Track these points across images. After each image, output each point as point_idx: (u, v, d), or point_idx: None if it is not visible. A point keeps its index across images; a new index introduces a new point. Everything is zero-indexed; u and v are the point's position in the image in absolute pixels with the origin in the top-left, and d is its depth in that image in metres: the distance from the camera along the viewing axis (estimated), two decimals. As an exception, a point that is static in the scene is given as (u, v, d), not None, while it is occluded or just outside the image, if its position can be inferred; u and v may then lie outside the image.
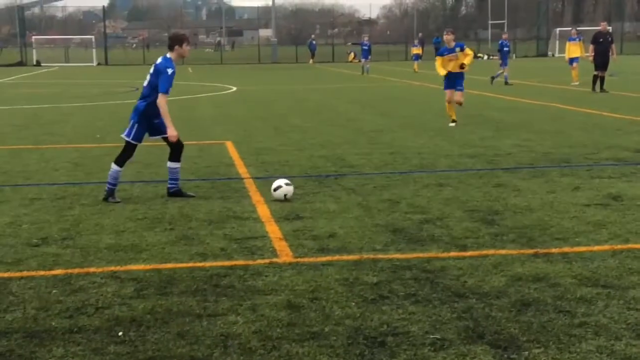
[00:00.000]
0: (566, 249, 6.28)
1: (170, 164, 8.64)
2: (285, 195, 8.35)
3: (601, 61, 23.90)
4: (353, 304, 5.05)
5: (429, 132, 14.55)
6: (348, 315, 4.84)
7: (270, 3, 76.91)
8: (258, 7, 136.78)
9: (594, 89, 23.64)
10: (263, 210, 7.92)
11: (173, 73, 8.32)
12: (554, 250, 6.27)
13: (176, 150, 8.61)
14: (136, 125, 8.45)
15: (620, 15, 79.43)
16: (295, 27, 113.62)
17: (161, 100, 8.29)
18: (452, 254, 6.22)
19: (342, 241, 6.65)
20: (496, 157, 11.35)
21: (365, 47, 40.65)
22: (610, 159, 10.88)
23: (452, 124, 15.13)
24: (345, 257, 6.16)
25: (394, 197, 8.48)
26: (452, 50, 14.88)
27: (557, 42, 66.62)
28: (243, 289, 5.39)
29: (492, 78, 28.90)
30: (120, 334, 4.61)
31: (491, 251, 6.28)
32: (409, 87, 29.55)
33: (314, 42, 62.87)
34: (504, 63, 28.70)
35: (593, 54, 24.18)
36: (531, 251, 6.24)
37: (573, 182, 9.17)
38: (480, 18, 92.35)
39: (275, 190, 8.39)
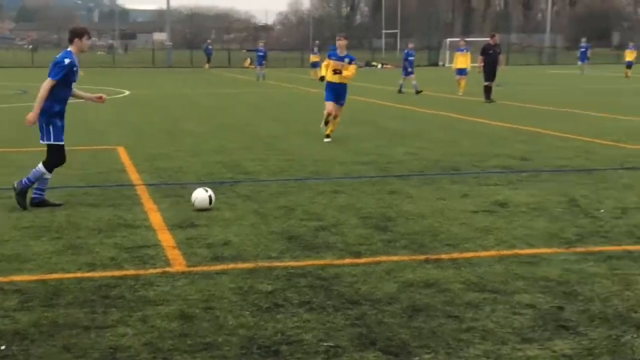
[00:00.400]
0: (455, 255, 6.43)
1: (39, 167, 8.27)
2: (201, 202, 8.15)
3: (491, 71, 24.68)
4: (247, 313, 5.02)
5: (324, 138, 14.64)
6: (242, 324, 4.80)
7: (164, 6, 75.84)
8: (152, 10, 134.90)
9: (487, 98, 24.34)
10: (155, 218, 7.78)
11: (70, 63, 8.12)
12: (443, 256, 6.41)
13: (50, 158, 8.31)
14: (51, 127, 8.19)
15: (506, 27, 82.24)
16: (190, 32, 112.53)
17: (45, 83, 8.07)
18: (347, 260, 6.28)
19: (237, 249, 6.60)
20: (389, 164, 11.54)
21: (261, 54, 40.46)
22: (497, 167, 11.23)
23: (327, 140, 13.93)
24: (240, 265, 6.12)
25: (289, 204, 8.49)
26: (341, 59, 13.88)
27: (448, 52, 68.40)
28: (133, 300, 5.27)
29: (399, 91, 29.01)
30: (2, 347, 4.42)
31: (384, 257, 6.37)
32: (306, 94, 29.69)
33: (210, 46, 62.36)
34: (408, 72, 29.04)
35: (482, 64, 24.95)
36: (422, 257, 6.36)
37: (462, 189, 9.41)
38: (375, 27, 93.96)
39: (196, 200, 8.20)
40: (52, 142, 8.24)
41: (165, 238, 6.98)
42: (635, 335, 4.60)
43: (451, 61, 63.43)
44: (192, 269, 6.01)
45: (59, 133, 8.25)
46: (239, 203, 8.52)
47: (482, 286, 5.58)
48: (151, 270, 5.96)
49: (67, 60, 8.12)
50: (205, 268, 6.03)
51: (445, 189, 9.50)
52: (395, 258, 6.35)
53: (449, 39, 72.16)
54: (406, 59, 29.78)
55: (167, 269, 6.01)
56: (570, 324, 4.81)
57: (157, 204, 8.46)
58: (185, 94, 28.72)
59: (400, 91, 28.81)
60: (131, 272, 5.93)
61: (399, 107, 22.68)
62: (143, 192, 9.21)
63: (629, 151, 12.71)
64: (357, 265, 6.14)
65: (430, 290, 5.50)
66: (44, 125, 8.20)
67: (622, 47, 76.32)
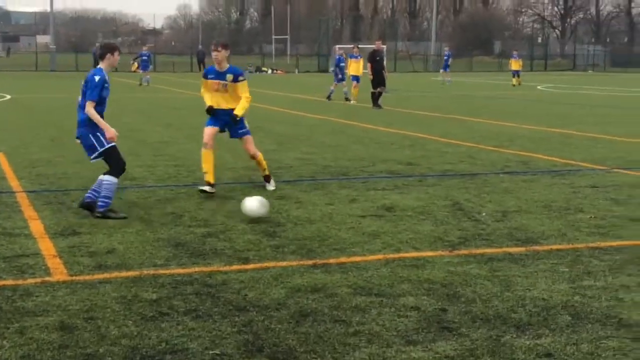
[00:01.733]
0: (343, 259, 6.48)
1: (108, 179, 8.16)
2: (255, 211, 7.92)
3: (380, 78, 25.06)
4: (130, 322, 4.89)
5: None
6: (125, 334, 4.68)
7: (48, 9, 73.53)
8: (35, 13, 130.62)
9: (375, 104, 24.69)
10: (36, 226, 7.50)
11: (101, 80, 8.04)
12: (331, 260, 6.44)
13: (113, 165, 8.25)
14: (97, 134, 8.11)
15: (393, 35, 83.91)
16: (75, 35, 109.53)
17: (88, 108, 8.01)
18: (234, 267, 6.22)
19: (121, 257, 6.44)
20: (279, 169, 11.54)
21: (145, 58, 39.40)
22: (384, 172, 11.40)
23: (207, 189, 9.34)
24: (124, 273, 5.96)
25: (177, 211, 8.36)
26: (221, 76, 9.57)
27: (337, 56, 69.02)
28: (11, 311, 5.05)
29: (328, 97, 28.42)
30: None
31: (272, 263, 6.34)
32: (196, 99, 29.36)
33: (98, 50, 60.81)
34: (339, 79, 28.25)
35: (371, 71, 25.31)
36: (310, 262, 6.38)
37: (350, 194, 9.51)
38: (265, 32, 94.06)
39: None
40: (106, 146, 8.13)
41: (46, 246, 6.74)
42: (514, 335, 4.74)
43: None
44: (73, 278, 5.82)
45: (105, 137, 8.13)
46: (124, 210, 8.32)
47: (368, 290, 5.63)
48: (30, 280, 5.74)
49: (97, 78, 8.06)
50: (87, 277, 5.85)
51: (334, 194, 9.57)
52: (283, 263, 6.34)
53: (337, 46, 72.97)
54: (337, 65, 28.76)
55: (47, 278, 5.80)
56: (453, 326, 4.91)
57: (38, 211, 8.17)
58: (70, 98, 27.89)
59: (329, 97, 28.28)
60: (9, 282, 5.69)
61: (289, 113, 22.74)
62: (23, 200, 8.88)
63: (509, 156, 13.15)
64: (245, 271, 6.09)
65: (317, 295, 5.51)
66: (90, 136, 8.14)
67: (502, 55, 79.21)
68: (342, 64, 28.71)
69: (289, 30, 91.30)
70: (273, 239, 7.20)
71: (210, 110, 9.66)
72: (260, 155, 9.82)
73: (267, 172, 9.93)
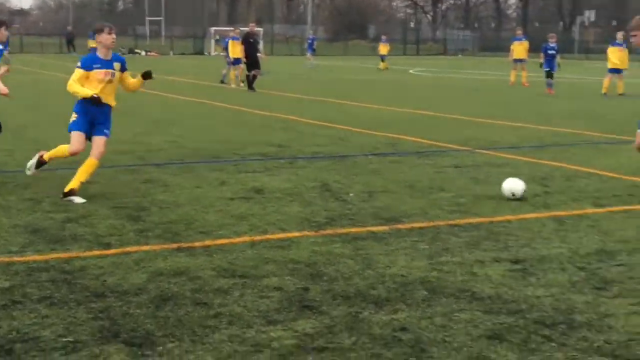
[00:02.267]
0: (208, 242, 6.42)
1: None
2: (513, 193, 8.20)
3: (255, 61, 24.96)
4: (-20, 312, 4.69)
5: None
6: (-27, 324, 4.48)
7: None
8: None
9: (250, 87, 24.61)
10: None
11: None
12: (196, 244, 6.37)
13: None
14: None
15: (270, 18, 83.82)
16: None
17: None
18: (94, 252, 6.05)
19: (-27, 245, 6.16)
20: (147, 152, 11.33)
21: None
22: (256, 154, 11.38)
23: (76, 200, 7.86)
24: (-25, 262, 5.70)
25: (36, 196, 8.06)
26: (109, 64, 8.32)
27: (213, 41, 68.50)
28: None
29: (222, 81, 27.77)
30: None
31: (135, 248, 6.22)
32: (64, 81, 28.44)
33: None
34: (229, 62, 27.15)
35: (245, 54, 25.16)
36: (174, 246, 6.29)
37: (220, 177, 9.44)
38: (138, 14, 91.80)
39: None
40: None
41: None
42: (372, 311, 4.83)
43: (216, 50, 63.58)
44: None
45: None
46: (-20, 196, 7.96)
47: (232, 272, 5.61)
48: None
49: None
50: None
51: (203, 177, 9.47)
52: (146, 248, 6.22)
53: (213, 28, 72.23)
54: (226, 48, 27.42)
55: None
56: (314, 304, 4.96)
57: None
58: None
59: (222, 81, 27.63)
60: None
61: (161, 95, 22.34)
62: None
63: (378, 138, 13.39)
64: (105, 256, 5.94)
65: (180, 278, 5.44)
66: None
67: (377, 39, 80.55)
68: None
69: (163, 12, 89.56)
70: (137, 223, 7.05)
71: (98, 101, 8.07)
72: (97, 164, 8.29)
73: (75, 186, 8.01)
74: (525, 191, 8.28)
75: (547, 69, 24.73)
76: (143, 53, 65.62)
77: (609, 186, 8.97)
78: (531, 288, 5.28)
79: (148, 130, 14.05)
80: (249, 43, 25.21)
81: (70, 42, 64.59)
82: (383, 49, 43.24)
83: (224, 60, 28.47)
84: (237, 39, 27.39)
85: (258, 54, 25.33)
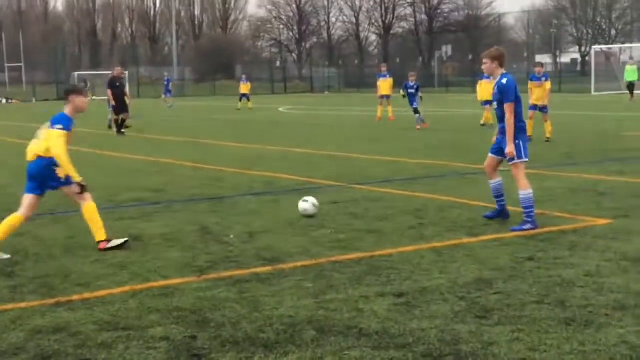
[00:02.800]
0: (87, 295, 6.22)
1: None
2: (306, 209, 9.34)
3: (122, 104, 24.53)
4: None
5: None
6: None
7: None
8: None
9: (119, 131, 24.16)
10: None
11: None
12: (75, 297, 6.16)
13: None
14: None
15: (135, 61, 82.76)
16: None
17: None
18: (-34, 314, 5.75)
19: None
20: (15, 205, 10.84)
21: None
22: (131, 200, 11.15)
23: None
24: None
25: None
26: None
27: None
28: None
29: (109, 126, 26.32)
30: None
31: (10, 305, 5.95)
32: None
33: None
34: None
35: (112, 98, 24.71)
36: (52, 301, 6.06)
37: (94, 226, 9.16)
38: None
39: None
40: None
41: None
42: (262, 356, 4.81)
43: (89, 95, 62.03)
44: None
45: None
46: None
47: (115, 324, 5.46)
48: None
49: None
50: None
51: (76, 226, 9.18)
52: (22, 305, 5.97)
53: (77, 73, 70.69)
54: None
55: None
56: (203, 352, 4.89)
57: None
58: None
59: (110, 127, 26.21)
60: None
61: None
62: None
63: (254, 177, 13.41)
64: (-21, 317, 5.66)
65: (60, 335, 5.24)
66: None
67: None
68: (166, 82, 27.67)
69: (22, 58, 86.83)
70: (11, 279, 6.76)
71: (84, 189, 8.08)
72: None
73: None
74: (315, 206, 9.34)
75: (414, 107, 25.07)
76: (4, 101, 63.29)
77: (480, 215, 9.32)
78: (416, 321, 5.40)
79: (14, 181, 13.50)
80: (116, 87, 24.82)
81: None
82: (244, 87, 42.95)
83: (107, 106, 27.62)
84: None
85: (125, 98, 24.94)
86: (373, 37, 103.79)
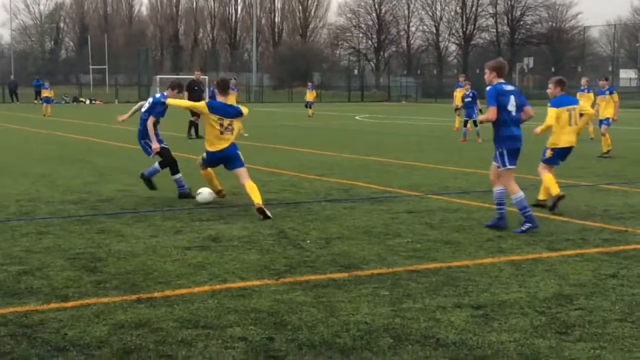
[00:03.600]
0: (168, 293, 6.36)
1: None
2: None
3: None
4: (-63, 370, 4.55)
5: (29, 178, 13.88)
6: None
7: None
8: None
9: (196, 134, 24.51)
10: None
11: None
12: (156, 294, 6.30)
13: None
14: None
15: (215, 66, 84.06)
16: None
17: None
18: (53, 305, 5.94)
19: None
20: (99, 202, 11.19)
21: None
22: (216, 203, 11.31)
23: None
24: None
25: (-13, 249, 7.89)
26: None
27: (158, 88, 68.29)
28: None
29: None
30: None
31: (93, 300, 6.12)
32: (7, 131, 27.99)
33: None
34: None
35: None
36: (134, 297, 6.21)
37: (175, 226, 9.37)
38: (81, 62, 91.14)
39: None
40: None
41: None
42: (340, 360, 4.83)
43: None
44: None
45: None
46: None
47: (195, 322, 5.56)
48: None
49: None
50: None
51: (158, 225, 9.39)
52: (105, 300, 6.13)
53: (159, 76, 72.21)
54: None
55: None
56: (279, 354, 4.94)
57: None
58: None
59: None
60: None
61: (109, 144, 22.15)
62: None
63: (331, 184, 13.46)
64: (64, 309, 5.84)
65: (142, 330, 5.37)
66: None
67: (322, 86, 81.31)
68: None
69: (106, 60, 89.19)
70: (94, 274, 6.95)
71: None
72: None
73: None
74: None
75: (466, 119, 24.19)
76: (87, 102, 65.15)
77: (561, 230, 9.15)
78: (495, 334, 5.34)
79: (98, 179, 13.89)
80: (194, 90, 25.08)
81: (13, 92, 63.93)
82: (310, 95, 42.90)
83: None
84: (233, 89, 27.20)
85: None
86: (453, 47, 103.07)
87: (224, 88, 11.15)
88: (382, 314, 5.79)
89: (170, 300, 6.13)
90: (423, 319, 5.66)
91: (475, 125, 23.75)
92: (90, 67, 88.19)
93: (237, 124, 10.92)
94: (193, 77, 26.55)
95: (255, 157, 18.34)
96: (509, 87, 9.22)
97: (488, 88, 9.13)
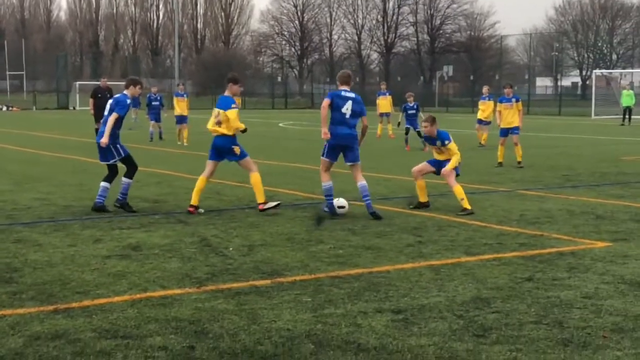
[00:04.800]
0: (86, 302, 6.24)
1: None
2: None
3: (101, 114, 23.51)
4: None
5: None
6: None
7: None
8: None
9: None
10: None
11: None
12: (74, 304, 6.18)
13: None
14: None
15: (136, 72, 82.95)
16: None
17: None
18: (-35, 318, 5.76)
19: None
20: (15, 211, 10.92)
21: None
22: (138, 211, 11.14)
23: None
24: None
25: None
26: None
27: (78, 95, 67.12)
28: None
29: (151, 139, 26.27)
30: None
31: (8, 311, 5.97)
32: None
33: None
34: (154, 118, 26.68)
35: (92, 107, 23.89)
36: (51, 308, 6.07)
37: (95, 234, 9.21)
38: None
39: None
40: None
41: None
42: (261, 367, 4.82)
43: (83, 104, 62.19)
44: None
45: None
46: None
47: (114, 332, 5.47)
48: None
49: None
50: None
51: (76, 234, 9.22)
52: (21, 311, 5.98)
53: (78, 82, 70.84)
54: (149, 104, 27.13)
55: None
56: (201, 363, 4.90)
57: None
58: None
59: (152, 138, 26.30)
60: None
61: (26, 151, 21.60)
62: None
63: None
64: (-22, 322, 5.66)
65: (59, 341, 5.25)
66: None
67: (245, 93, 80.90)
68: (156, 103, 27.24)
69: (24, 66, 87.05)
70: (9, 285, 6.77)
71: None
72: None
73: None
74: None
75: (407, 127, 24.51)
76: (4, 108, 63.41)
77: (479, 235, 9.35)
78: (414, 338, 5.42)
79: (14, 187, 13.54)
80: (97, 97, 24.11)
81: None
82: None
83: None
84: (181, 95, 26.99)
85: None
86: (375, 55, 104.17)
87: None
88: (304, 320, 5.81)
89: (89, 311, 6.02)
90: (344, 325, 5.71)
91: (420, 135, 23.82)
92: (7, 72, 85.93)
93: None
94: (99, 83, 25.58)
95: (179, 165, 18.18)
96: (350, 94, 10.79)
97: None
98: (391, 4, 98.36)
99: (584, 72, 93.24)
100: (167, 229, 9.64)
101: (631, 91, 44.51)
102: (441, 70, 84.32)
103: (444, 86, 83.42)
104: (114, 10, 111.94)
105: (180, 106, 26.37)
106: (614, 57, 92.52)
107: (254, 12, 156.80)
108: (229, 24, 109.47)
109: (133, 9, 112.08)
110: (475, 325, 5.69)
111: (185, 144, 25.15)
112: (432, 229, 9.75)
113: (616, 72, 75.54)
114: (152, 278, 7.12)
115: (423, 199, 11.53)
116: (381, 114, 30.00)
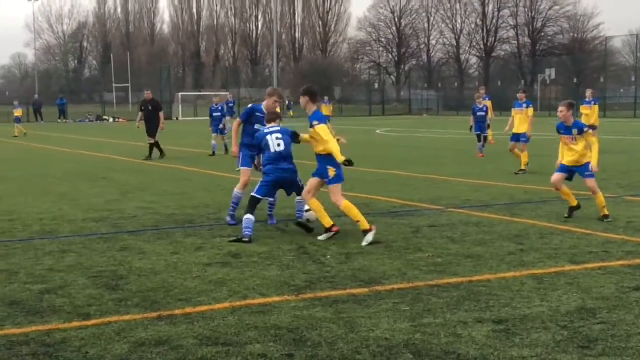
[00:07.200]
0: (188, 310, 6.37)
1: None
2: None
3: (151, 127, 23.47)
4: (-40, 389, 4.59)
5: (52, 196, 14.01)
6: (-46, 403, 4.38)
7: None
8: None
9: (162, 155, 23.52)
10: None
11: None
12: (177, 311, 6.32)
13: None
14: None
15: (236, 82, 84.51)
16: None
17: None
18: (74, 323, 5.98)
19: (-51, 320, 6.04)
20: (121, 220, 11.26)
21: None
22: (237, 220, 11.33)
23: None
24: (-48, 337, 5.59)
25: (11, 267, 7.96)
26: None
27: (180, 106, 68.87)
28: None
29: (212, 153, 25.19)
30: None
31: (115, 318, 6.15)
32: (28, 150, 28.27)
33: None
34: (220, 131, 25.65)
35: (140, 119, 23.79)
36: (155, 314, 6.23)
37: (196, 242, 9.41)
38: (105, 80, 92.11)
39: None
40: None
41: None
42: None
43: (186, 115, 63.89)
44: None
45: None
46: (-46, 269, 7.84)
47: (215, 339, 5.57)
48: None
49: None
50: None
51: (179, 242, 9.43)
52: (126, 317, 6.16)
53: (181, 93, 72.67)
54: (211, 115, 25.82)
55: None
56: (300, 371, 4.93)
57: None
58: None
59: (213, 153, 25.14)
60: None
61: (131, 161, 22.30)
62: None
63: (350, 198, 13.38)
64: (86, 327, 5.87)
65: (162, 348, 5.38)
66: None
67: (342, 101, 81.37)
68: (217, 114, 25.79)
69: (129, 78, 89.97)
70: (115, 292, 6.99)
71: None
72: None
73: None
74: None
75: (478, 133, 23.12)
76: (111, 120, 65.70)
77: (584, 243, 9.08)
78: (516, 349, 5.29)
79: (121, 197, 13.98)
80: (142, 110, 24.01)
81: (37, 111, 64.60)
82: (325, 110, 42.30)
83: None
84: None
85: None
86: (474, 60, 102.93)
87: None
88: (402, 330, 5.76)
89: (191, 318, 6.15)
90: (444, 335, 5.63)
91: (479, 140, 22.96)
92: (114, 85, 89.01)
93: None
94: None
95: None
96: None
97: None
98: (491, 7, 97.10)
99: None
100: (265, 237, 9.75)
101: None
102: (543, 74, 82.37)
103: (546, 90, 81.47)
104: (215, 22, 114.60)
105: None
106: None
107: (351, 20, 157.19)
108: (326, 32, 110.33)
109: (233, 20, 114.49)
110: (580, 337, 5.52)
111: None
112: (534, 237, 9.52)
113: None
114: (252, 286, 7.21)
115: (573, 202, 11.09)
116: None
